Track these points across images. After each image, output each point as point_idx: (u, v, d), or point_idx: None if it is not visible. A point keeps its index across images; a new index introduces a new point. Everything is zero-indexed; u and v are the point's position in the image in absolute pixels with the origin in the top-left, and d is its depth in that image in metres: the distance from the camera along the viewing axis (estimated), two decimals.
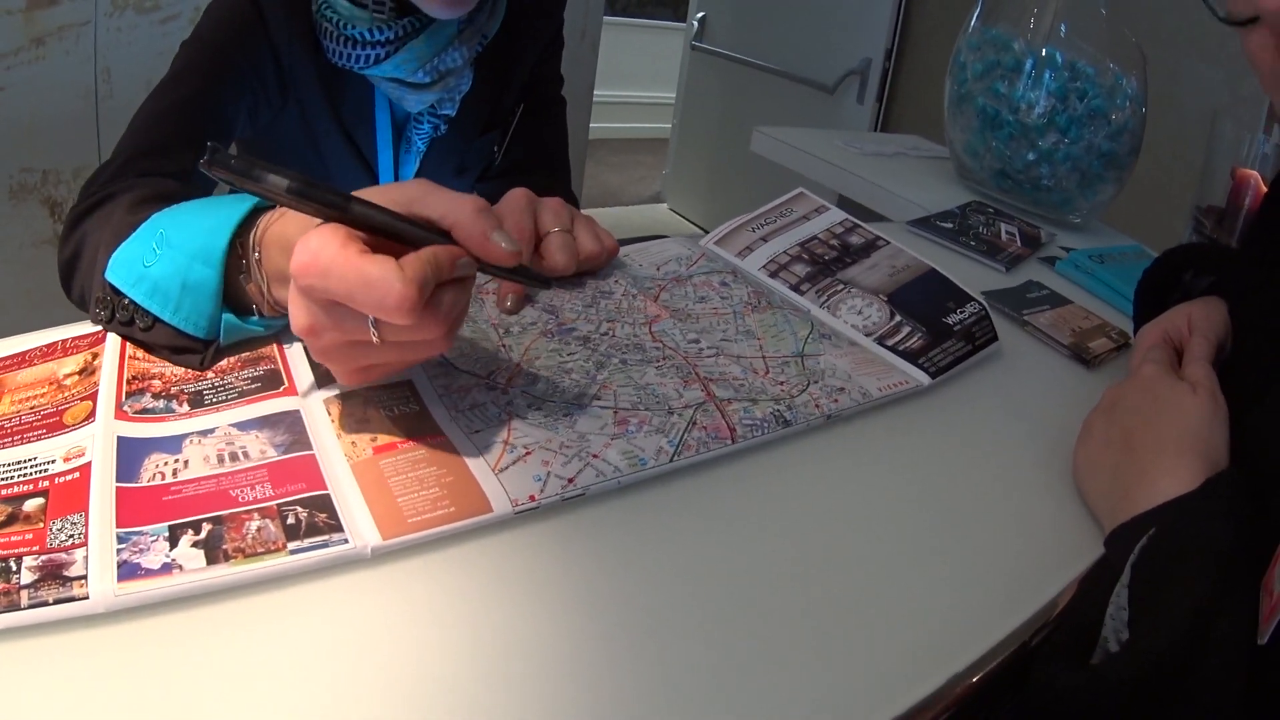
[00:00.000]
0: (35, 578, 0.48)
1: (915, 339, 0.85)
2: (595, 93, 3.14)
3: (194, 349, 0.68)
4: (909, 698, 0.52)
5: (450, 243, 0.59)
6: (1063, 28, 1.52)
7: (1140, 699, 0.51)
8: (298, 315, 0.56)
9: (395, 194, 0.59)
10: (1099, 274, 1.24)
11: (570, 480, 0.60)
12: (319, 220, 0.57)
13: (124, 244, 0.70)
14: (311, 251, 0.53)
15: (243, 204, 0.68)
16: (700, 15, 4.55)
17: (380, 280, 0.52)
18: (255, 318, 0.70)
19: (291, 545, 0.52)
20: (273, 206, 0.68)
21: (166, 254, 0.67)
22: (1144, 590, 0.55)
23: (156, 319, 0.67)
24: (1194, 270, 0.93)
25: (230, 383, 0.66)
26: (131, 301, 0.68)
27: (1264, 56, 0.64)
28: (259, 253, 0.66)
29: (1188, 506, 0.61)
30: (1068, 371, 0.96)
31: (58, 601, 0.47)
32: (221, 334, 0.68)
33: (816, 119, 3.80)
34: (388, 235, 0.57)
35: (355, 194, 0.56)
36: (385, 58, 1.10)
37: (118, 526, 0.51)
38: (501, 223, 0.60)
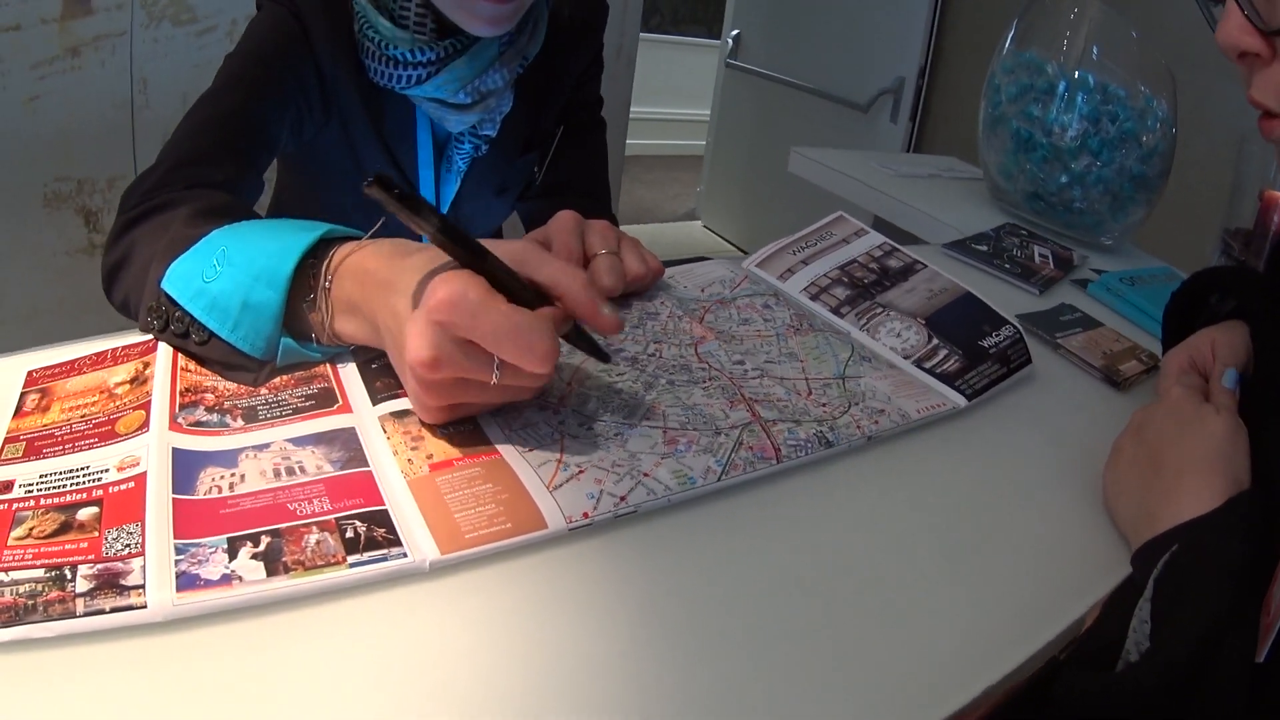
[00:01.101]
0: (91, 586, 0.49)
1: (952, 362, 0.87)
2: (631, 109, 3.16)
3: (248, 367, 0.69)
4: (945, 708, 0.53)
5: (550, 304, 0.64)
6: (1095, 50, 1.54)
7: (1156, 707, 0.52)
8: (422, 347, 0.58)
9: (503, 250, 0.64)
10: (1129, 296, 1.25)
11: (622, 498, 0.61)
12: (405, 261, 0.63)
13: (183, 257, 0.71)
14: (458, 291, 0.57)
15: (310, 232, 0.70)
16: (735, 33, 4.56)
17: (530, 331, 0.57)
18: (314, 344, 0.71)
19: (351, 558, 0.52)
20: (345, 239, 0.71)
21: (228, 272, 0.68)
22: (1165, 604, 0.57)
23: (213, 334, 0.69)
24: (1219, 294, 0.95)
25: (284, 399, 0.67)
26: (187, 314, 0.69)
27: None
28: (330, 280, 0.68)
29: (1208, 524, 0.63)
30: (1099, 393, 0.98)
31: (114, 610, 0.47)
32: (279, 356, 0.70)
33: (850, 138, 3.80)
34: (504, 291, 0.60)
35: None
36: (426, 78, 1.10)
37: (175, 538, 0.52)
38: (604, 296, 0.66)
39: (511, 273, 0.62)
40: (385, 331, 0.64)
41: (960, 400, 0.83)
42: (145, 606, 0.48)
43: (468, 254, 0.60)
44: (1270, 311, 0.84)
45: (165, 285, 0.71)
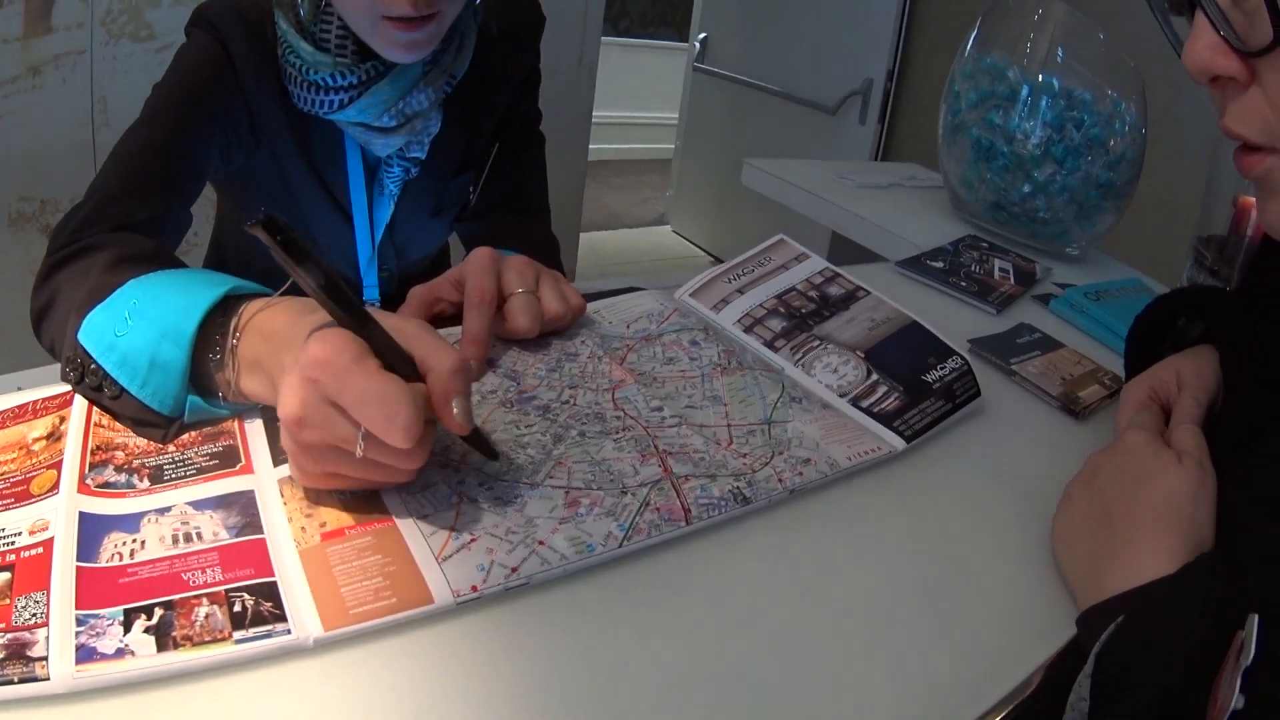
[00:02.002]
0: (1, 656, 0.48)
1: (891, 399, 0.83)
2: (599, 114, 3.15)
3: (158, 424, 0.68)
4: None
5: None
6: (1060, 53, 1.51)
7: None
8: (290, 403, 0.57)
9: (392, 323, 0.62)
10: (1094, 313, 1.21)
11: (514, 570, 0.59)
12: (306, 319, 0.62)
13: (98, 308, 0.70)
14: (332, 348, 0.56)
15: (217, 287, 0.69)
16: (702, 36, 4.56)
17: (396, 400, 0.55)
18: (221, 401, 0.70)
19: (237, 634, 0.52)
20: (254, 295, 0.70)
21: (138, 326, 0.67)
22: (1107, 683, 0.52)
23: (124, 389, 0.67)
24: (1186, 316, 0.90)
25: (190, 458, 0.66)
26: (101, 368, 0.68)
27: None
28: (238, 338, 0.67)
29: (1160, 595, 0.57)
30: (1056, 424, 0.94)
31: (22, 680, 0.47)
32: (187, 414, 0.68)
33: (818, 140, 3.81)
34: (382, 358, 0.59)
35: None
36: (349, 103, 1.08)
37: (77, 608, 0.52)
38: (468, 390, 0.63)
39: (393, 342, 0.60)
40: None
41: (898, 443, 0.79)
42: (49, 678, 0.48)
43: (349, 316, 0.58)
44: (1241, 335, 0.79)
45: (81, 338, 0.70)
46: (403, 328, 0.62)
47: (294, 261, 0.55)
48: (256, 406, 0.71)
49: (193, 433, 0.69)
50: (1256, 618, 0.49)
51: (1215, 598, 0.55)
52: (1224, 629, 0.52)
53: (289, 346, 0.62)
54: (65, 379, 0.71)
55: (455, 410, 0.61)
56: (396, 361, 0.60)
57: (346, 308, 0.58)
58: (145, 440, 0.68)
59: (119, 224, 0.92)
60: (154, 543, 0.58)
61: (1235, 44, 0.59)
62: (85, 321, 0.70)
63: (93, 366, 0.69)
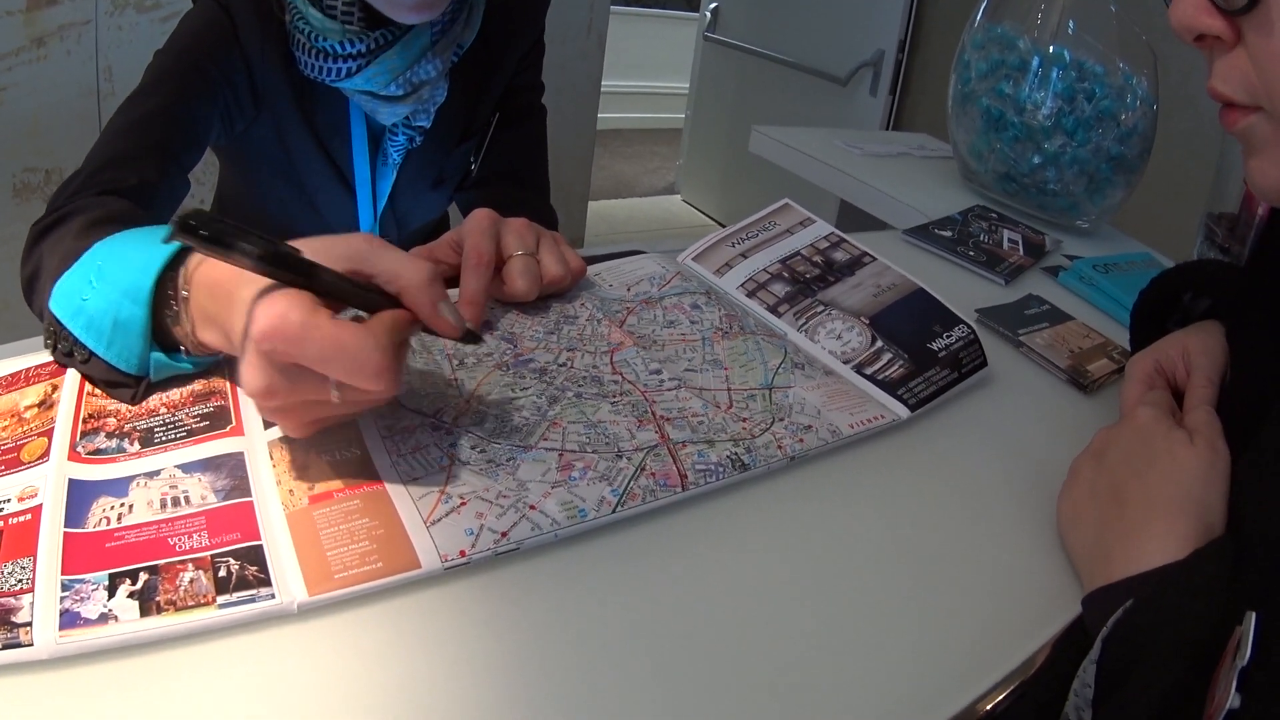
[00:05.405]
0: None
1: (896, 367, 0.81)
2: (610, 83, 3.14)
3: (125, 384, 0.68)
4: None
5: (397, 304, 0.61)
6: (1071, 25, 1.48)
7: None
8: (254, 378, 0.55)
9: (342, 247, 0.61)
10: (1103, 285, 1.19)
11: (503, 534, 0.57)
12: (246, 273, 0.59)
13: (66, 273, 0.70)
14: (279, 315, 0.54)
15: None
16: (713, 6, 4.55)
17: (358, 349, 0.54)
18: (184, 356, 0.69)
19: (220, 599, 0.51)
20: None
21: (101, 288, 0.67)
22: (1113, 669, 0.51)
23: (93, 352, 0.67)
24: (1192, 292, 0.88)
25: (180, 420, 0.66)
26: (70, 333, 0.68)
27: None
28: (188, 291, 0.65)
29: (1170, 579, 0.55)
30: (1063, 397, 0.92)
31: (6, 646, 0.47)
32: (151, 371, 0.68)
33: (829, 111, 3.78)
34: (343, 301, 0.59)
35: (299, 242, 0.58)
36: (357, 71, 1.08)
37: (63, 574, 0.52)
38: (445, 294, 0.62)
39: (347, 280, 0.59)
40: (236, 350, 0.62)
41: (902, 411, 0.77)
42: (33, 644, 0.48)
43: (295, 276, 0.56)
44: (1248, 311, 0.77)
45: (51, 305, 0.69)
46: (355, 248, 0.61)
47: (225, 250, 0.53)
48: (222, 359, 0.71)
49: (184, 393, 0.68)
50: (1254, 615, 0.48)
51: (1226, 586, 0.54)
52: (1227, 621, 0.51)
53: (233, 304, 0.60)
54: (46, 347, 0.71)
55: (445, 314, 0.61)
56: (357, 298, 0.59)
57: (289, 269, 0.56)
58: (138, 405, 0.67)
59: (108, 190, 0.91)
60: (141, 507, 0.57)
61: (1219, 2, 0.58)
62: (55, 288, 0.70)
63: (63, 332, 0.68)
